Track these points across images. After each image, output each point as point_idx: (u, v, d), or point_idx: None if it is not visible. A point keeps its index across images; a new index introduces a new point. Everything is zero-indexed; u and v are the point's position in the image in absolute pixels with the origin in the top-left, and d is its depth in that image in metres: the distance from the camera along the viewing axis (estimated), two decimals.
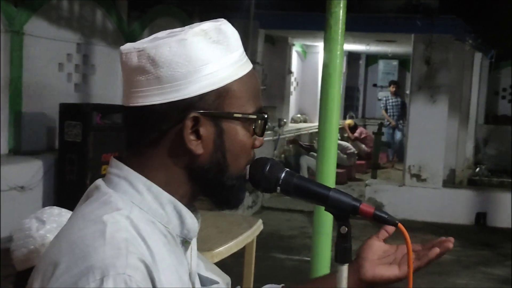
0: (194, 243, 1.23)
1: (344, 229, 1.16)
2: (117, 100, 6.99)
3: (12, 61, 6.21)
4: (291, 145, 12.08)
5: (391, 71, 17.73)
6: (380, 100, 18.25)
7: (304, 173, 11.37)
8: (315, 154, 11.18)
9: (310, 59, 14.76)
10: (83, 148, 5.97)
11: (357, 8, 10.38)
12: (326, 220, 3.51)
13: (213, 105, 1.10)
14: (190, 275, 1.19)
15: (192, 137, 1.09)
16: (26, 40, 6.43)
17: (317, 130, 12.34)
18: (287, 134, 11.99)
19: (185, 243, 1.17)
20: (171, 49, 1.08)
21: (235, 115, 1.12)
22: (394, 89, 14.56)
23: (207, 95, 1.09)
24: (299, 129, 13.09)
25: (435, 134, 9.73)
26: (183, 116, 1.08)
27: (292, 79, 14.02)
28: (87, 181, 5.69)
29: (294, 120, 14.05)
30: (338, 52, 2.92)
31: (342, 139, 13.72)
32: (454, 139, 10.78)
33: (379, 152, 12.77)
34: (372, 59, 18.17)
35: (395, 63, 17.41)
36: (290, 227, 8.70)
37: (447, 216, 9.51)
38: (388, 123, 14.36)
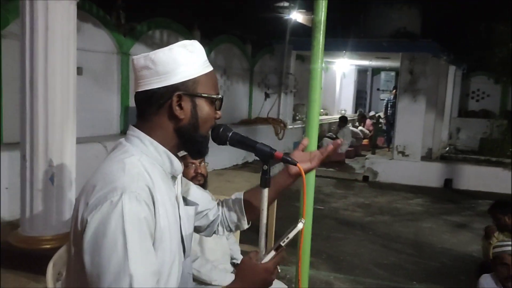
0: (179, 178, 1.34)
1: (265, 167, 1.29)
2: None
3: (122, 72, 6.34)
4: None
5: (390, 79, 17.41)
6: (382, 100, 18.04)
7: None
8: (334, 136, 11.33)
9: (330, 71, 14.73)
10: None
11: (361, 35, 10.41)
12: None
13: (190, 88, 1.22)
14: (176, 197, 1.30)
15: (177, 108, 1.21)
16: (132, 59, 6.63)
17: (334, 120, 12.37)
18: None
19: (173, 178, 1.28)
20: (164, 54, 1.21)
21: (203, 95, 1.23)
22: (395, 92, 14.38)
23: (186, 82, 1.21)
24: (321, 119, 13.14)
25: (416, 123, 9.65)
26: (172, 95, 1.20)
27: None
28: None
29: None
30: (319, 66, 2.93)
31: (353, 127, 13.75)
32: (431, 127, 10.65)
33: (378, 137, 12.72)
34: (376, 71, 17.90)
35: (393, 73, 17.12)
36: None
37: (423, 181, 9.44)
38: (383, 118, 14.19)
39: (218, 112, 1.30)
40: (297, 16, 9.96)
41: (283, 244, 1.14)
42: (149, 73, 1.21)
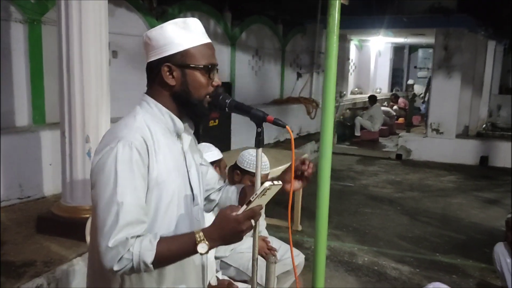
0: (186, 137, 1.49)
1: (259, 130, 1.41)
2: (221, 79, 7.32)
3: None
4: (348, 109, 12.10)
5: (428, 57, 17.07)
6: (420, 78, 17.71)
7: (358, 129, 11.37)
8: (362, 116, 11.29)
9: (364, 49, 14.52)
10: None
11: (395, 10, 10.24)
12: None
13: (179, 59, 1.37)
14: (184, 152, 1.47)
15: (169, 76, 1.38)
16: None
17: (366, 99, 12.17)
18: (346, 103, 12.05)
19: (179, 136, 1.46)
20: (157, 32, 1.38)
21: (191, 65, 1.37)
22: None
23: (175, 55, 1.37)
24: (355, 98, 13.06)
25: (450, 100, 9.48)
26: (163, 65, 1.37)
27: (351, 64, 13.93)
28: (200, 129, 5.73)
29: (353, 93, 13.99)
30: (334, 43, 2.98)
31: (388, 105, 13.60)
32: (468, 104, 10.42)
33: (413, 115, 12.55)
34: (413, 48, 17.49)
35: (430, 50, 16.70)
36: (341, 164, 8.87)
37: (458, 159, 9.32)
38: (421, 97, 13.97)
39: (215, 79, 1.43)
40: None
41: (252, 199, 1.25)
42: (148, 48, 1.41)
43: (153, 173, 1.33)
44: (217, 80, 1.43)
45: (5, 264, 3.08)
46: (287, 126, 1.41)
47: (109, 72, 3.86)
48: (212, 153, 2.55)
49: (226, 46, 8.09)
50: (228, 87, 6.62)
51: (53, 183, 4.63)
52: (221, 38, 7.98)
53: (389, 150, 10.34)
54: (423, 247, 4.78)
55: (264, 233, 3.14)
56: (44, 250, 3.33)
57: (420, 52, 17.28)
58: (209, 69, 1.40)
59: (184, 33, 1.38)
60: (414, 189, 7.22)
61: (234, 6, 8.14)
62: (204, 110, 1.43)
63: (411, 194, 6.92)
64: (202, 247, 1.24)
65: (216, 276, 2.36)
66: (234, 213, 1.26)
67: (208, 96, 1.42)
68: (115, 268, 1.23)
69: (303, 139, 9.35)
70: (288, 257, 3.00)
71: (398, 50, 16.64)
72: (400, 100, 14.09)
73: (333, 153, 10.43)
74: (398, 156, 9.83)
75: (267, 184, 1.25)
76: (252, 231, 1.34)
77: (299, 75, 10.36)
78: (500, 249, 3.16)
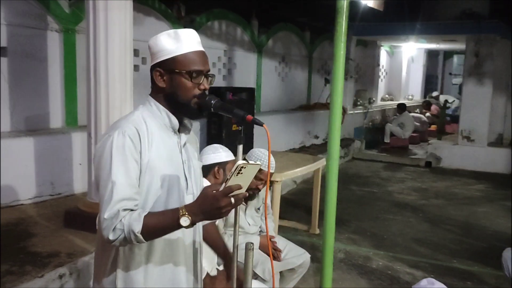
0: (184, 136, 1.64)
1: (240, 128, 1.55)
2: (247, 85, 7.52)
3: None
4: (377, 116, 12.05)
5: (462, 63, 16.69)
6: (455, 84, 17.40)
7: (387, 135, 11.30)
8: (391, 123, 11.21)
9: (396, 55, 14.42)
10: (220, 115, 6.23)
11: (426, 16, 10.17)
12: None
13: (168, 65, 1.55)
14: (180, 146, 1.62)
15: (161, 80, 1.56)
16: None
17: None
18: (374, 109, 12.01)
19: (175, 132, 1.62)
20: (153, 40, 1.58)
21: (176, 70, 1.54)
22: None
23: (166, 61, 1.55)
24: (384, 105, 12.98)
25: (481, 107, 9.32)
26: (155, 70, 1.56)
27: (382, 70, 13.86)
28: (223, 134, 6.15)
29: (383, 99, 13.91)
30: (342, 49, 3.06)
31: (420, 112, 13.42)
32: (502, 112, 10.19)
33: (444, 121, 12.35)
34: (448, 54, 17.19)
35: None
36: (368, 171, 8.88)
37: (489, 167, 9.13)
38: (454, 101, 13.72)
39: (203, 84, 1.58)
40: (367, 1, 9.92)
41: (229, 178, 1.37)
42: (150, 54, 1.61)
43: (144, 159, 1.51)
44: (204, 84, 1.58)
45: (32, 255, 3.34)
46: (264, 125, 1.53)
47: (138, 77, 4.09)
48: (215, 155, 2.65)
49: (253, 53, 8.28)
50: (251, 92, 6.78)
51: (82, 182, 4.91)
52: (248, 45, 8.19)
53: (419, 157, 10.23)
54: (441, 254, 4.77)
55: (271, 233, 3.26)
56: (69, 242, 3.57)
57: (455, 58, 16.96)
58: (194, 74, 1.55)
59: (174, 43, 1.55)
60: (439, 196, 7.16)
61: (261, 14, 8.31)
62: (191, 110, 1.59)
63: (436, 201, 6.86)
64: (184, 221, 1.39)
65: (217, 268, 2.49)
66: (213, 191, 1.40)
67: (195, 98, 1.56)
68: (111, 237, 1.41)
69: None
70: (293, 256, 3.11)
71: (432, 56, 16.40)
72: (433, 107, 13.88)
73: (361, 159, 10.46)
74: (428, 164, 9.72)
75: (240, 162, 1.37)
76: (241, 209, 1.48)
77: (326, 81, 10.42)
78: (507, 254, 3.16)
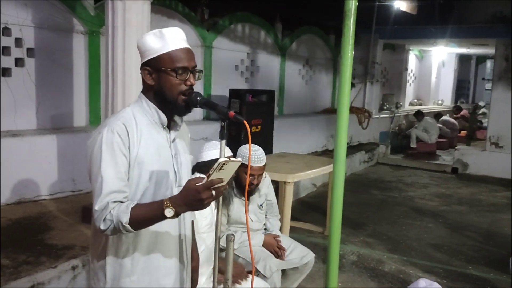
0: (174, 131, 1.70)
1: (222, 124, 1.59)
2: (270, 88, 7.55)
3: (205, 64, 6.79)
4: (404, 121, 11.86)
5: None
6: (488, 90, 16.92)
7: (414, 141, 11.11)
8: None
9: (425, 59, 14.17)
10: (240, 116, 6.26)
11: (455, 20, 9.98)
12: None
13: (155, 63, 1.60)
14: (170, 142, 1.69)
15: (149, 78, 1.62)
16: (214, 51, 6.96)
17: (427, 111, 11.83)
18: (401, 114, 11.84)
19: (164, 127, 1.68)
20: (140, 41, 1.64)
21: (162, 68, 1.60)
22: None
23: (152, 59, 1.61)
24: (412, 110, 12.72)
25: (511, 113, 9.10)
26: (143, 69, 1.63)
27: (411, 74, 13.64)
28: (242, 135, 6.08)
29: (412, 104, 13.68)
30: (349, 51, 3.05)
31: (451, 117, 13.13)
32: None
33: (474, 127, 12.03)
34: (481, 59, 16.77)
35: None
36: (392, 176, 8.76)
37: None
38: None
39: (189, 80, 1.63)
40: (400, 4, 9.83)
41: (211, 173, 1.43)
42: (140, 53, 1.67)
43: (133, 153, 1.58)
44: (191, 80, 1.63)
45: (49, 247, 3.49)
46: (244, 121, 1.59)
47: None
48: (214, 151, 2.68)
49: (276, 56, 8.31)
50: (271, 95, 6.81)
51: None
52: (271, 48, 8.22)
53: (445, 163, 10.04)
54: (457, 260, 4.69)
55: (276, 232, 3.29)
56: (84, 236, 3.70)
57: (489, 63, 16.51)
58: (179, 71, 1.61)
59: (159, 41, 1.61)
60: (463, 203, 7.00)
61: (285, 17, 8.34)
62: (179, 107, 1.64)
63: (458, 208, 6.72)
64: (168, 212, 1.47)
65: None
66: (196, 183, 1.46)
67: (182, 95, 1.62)
68: (102, 227, 1.50)
69: (352, 149, 9.32)
70: (297, 255, 3.13)
71: (464, 60, 16.03)
72: (463, 111, 13.59)
73: (385, 164, 10.32)
74: (454, 170, 9.52)
75: (221, 159, 1.44)
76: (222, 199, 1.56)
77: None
78: None
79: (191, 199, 1.46)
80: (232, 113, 1.60)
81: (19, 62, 4.93)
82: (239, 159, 1.50)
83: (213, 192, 1.46)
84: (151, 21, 4.07)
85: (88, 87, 5.50)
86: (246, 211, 2.10)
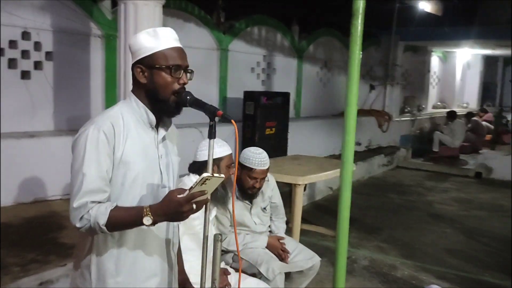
0: (162, 130, 1.70)
1: (211, 123, 1.59)
2: (284, 90, 7.52)
3: (221, 66, 6.86)
4: (426, 124, 11.67)
5: None
6: None
7: (436, 144, 10.90)
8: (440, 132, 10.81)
9: (449, 61, 13.91)
10: (255, 118, 6.26)
11: (479, 21, 9.78)
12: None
13: (148, 62, 1.60)
14: (157, 142, 1.68)
15: (142, 76, 1.62)
16: (230, 54, 7.05)
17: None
18: (423, 116, 11.64)
19: (152, 127, 1.67)
20: (133, 39, 1.64)
21: (156, 66, 1.60)
22: None
23: (145, 58, 1.60)
24: (435, 113, 12.54)
25: None
26: (136, 67, 1.62)
27: (434, 76, 13.41)
28: (256, 137, 6.16)
29: (435, 107, 13.44)
30: (357, 50, 2.99)
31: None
32: None
33: (499, 130, 11.74)
34: (508, 60, 16.33)
35: None
36: (411, 180, 8.62)
37: None
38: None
39: (182, 78, 1.63)
40: (425, 5, 9.68)
41: (193, 186, 1.44)
42: (131, 52, 1.67)
43: (118, 153, 1.57)
44: (184, 79, 1.63)
45: (58, 245, 3.56)
46: (232, 120, 1.61)
47: None
48: (206, 152, 2.66)
49: (293, 58, 8.30)
50: (286, 97, 6.80)
51: None
52: (288, 51, 8.22)
53: (468, 167, 9.80)
54: (472, 266, 4.57)
55: (281, 234, 3.27)
56: None
57: None
58: (173, 69, 1.61)
59: (153, 40, 1.62)
60: (483, 208, 6.83)
61: (302, 20, 8.32)
62: (169, 107, 1.64)
63: (478, 213, 6.56)
64: (147, 220, 1.47)
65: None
66: (178, 196, 1.47)
67: (174, 95, 1.62)
68: (77, 225, 1.51)
69: (372, 152, 9.22)
70: (302, 258, 3.10)
71: (490, 62, 15.66)
72: (488, 114, 13.26)
73: (405, 168, 10.16)
74: (478, 174, 9.29)
75: (205, 174, 1.45)
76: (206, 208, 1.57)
77: (372, 87, 10.26)
78: None
79: (172, 210, 1.47)
80: (220, 112, 1.60)
81: (38, 65, 5.07)
82: (222, 175, 1.50)
83: (194, 206, 1.47)
84: (167, 25, 4.12)
85: (104, 90, 5.61)
86: (233, 210, 2.07)
